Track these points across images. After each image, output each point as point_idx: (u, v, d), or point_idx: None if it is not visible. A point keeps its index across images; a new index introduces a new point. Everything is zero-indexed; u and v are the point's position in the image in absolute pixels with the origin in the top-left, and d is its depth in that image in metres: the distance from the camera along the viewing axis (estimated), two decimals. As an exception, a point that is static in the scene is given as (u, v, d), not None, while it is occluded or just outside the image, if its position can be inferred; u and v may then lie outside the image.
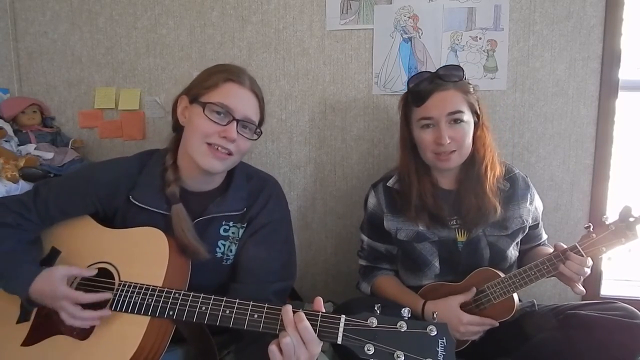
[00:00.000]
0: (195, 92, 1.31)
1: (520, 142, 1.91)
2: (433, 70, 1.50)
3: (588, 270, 1.37)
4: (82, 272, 1.24)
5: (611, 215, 1.38)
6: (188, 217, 1.31)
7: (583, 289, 1.38)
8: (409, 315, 0.96)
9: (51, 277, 1.18)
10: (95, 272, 1.24)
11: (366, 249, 1.68)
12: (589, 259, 1.36)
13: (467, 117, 1.45)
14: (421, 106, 1.46)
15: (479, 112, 1.49)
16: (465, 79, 1.49)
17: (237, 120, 1.28)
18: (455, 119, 1.43)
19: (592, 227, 1.39)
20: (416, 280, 1.58)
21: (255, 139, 1.36)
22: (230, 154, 1.29)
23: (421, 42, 1.88)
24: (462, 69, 1.48)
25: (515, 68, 1.87)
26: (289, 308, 1.04)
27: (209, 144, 1.27)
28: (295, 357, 1.00)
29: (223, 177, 1.42)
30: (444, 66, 1.50)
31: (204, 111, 1.26)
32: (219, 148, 1.27)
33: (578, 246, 1.37)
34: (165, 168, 1.35)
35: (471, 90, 1.48)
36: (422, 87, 1.47)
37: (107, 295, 1.18)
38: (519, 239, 1.58)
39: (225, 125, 1.27)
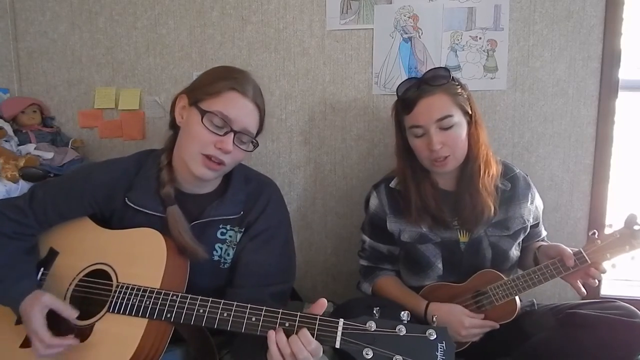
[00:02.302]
0: (197, 95, 1.29)
1: (520, 142, 1.91)
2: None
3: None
4: (64, 311, 1.18)
5: (611, 216, 1.39)
6: (184, 218, 1.30)
7: (584, 290, 1.40)
8: (408, 319, 0.96)
9: (33, 304, 1.16)
10: (76, 314, 1.19)
11: (367, 250, 1.67)
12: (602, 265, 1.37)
13: (457, 119, 1.43)
14: (410, 114, 1.45)
15: (470, 111, 1.47)
16: (452, 79, 1.47)
17: (235, 132, 1.26)
18: (444, 124, 1.42)
19: (596, 233, 1.39)
20: (418, 281, 1.57)
21: (251, 151, 1.34)
22: (222, 163, 1.27)
23: (421, 42, 1.88)
24: (448, 70, 1.47)
25: (515, 68, 1.87)
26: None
27: (204, 154, 1.25)
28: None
29: (220, 179, 1.41)
30: (430, 70, 1.48)
31: (202, 119, 1.24)
32: (212, 158, 1.25)
33: (583, 251, 1.37)
34: (160, 168, 1.34)
35: (459, 90, 1.46)
36: (409, 94, 1.46)
37: (70, 341, 1.15)
38: (520, 239, 1.57)
39: (222, 135, 1.25)
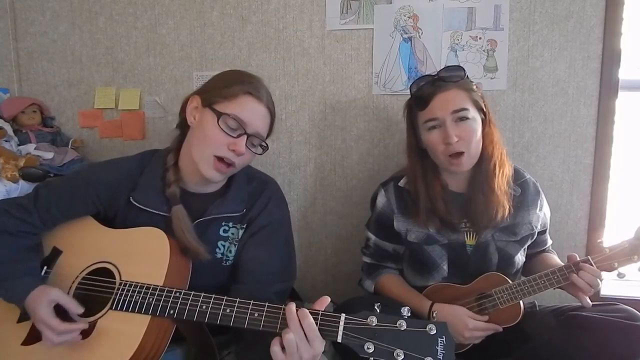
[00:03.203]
0: (211, 97, 1.30)
1: (520, 142, 1.91)
2: (433, 71, 1.51)
3: (600, 284, 1.37)
4: (70, 306, 1.18)
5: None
6: (188, 218, 1.30)
7: (590, 302, 1.39)
8: (409, 314, 0.96)
9: (40, 297, 1.17)
10: (81, 310, 1.19)
11: (372, 247, 1.66)
12: (601, 272, 1.37)
13: (473, 114, 1.44)
14: (425, 109, 1.45)
15: (484, 108, 1.48)
16: (467, 77, 1.48)
17: (248, 135, 1.28)
18: (460, 117, 1.42)
19: (603, 242, 1.40)
20: (422, 282, 1.57)
21: (260, 154, 1.37)
22: (232, 165, 1.29)
23: (421, 42, 1.88)
24: (463, 69, 1.48)
25: (515, 68, 1.87)
26: (292, 306, 1.04)
27: (216, 156, 1.27)
28: (298, 356, 1.00)
29: (225, 179, 1.41)
30: (444, 68, 1.49)
31: (218, 121, 1.26)
32: (225, 159, 1.27)
33: (590, 259, 1.37)
34: (166, 168, 1.35)
35: (474, 87, 1.48)
36: (424, 91, 1.47)
37: (81, 325, 1.15)
38: (527, 245, 1.57)
39: (235, 137, 1.27)
